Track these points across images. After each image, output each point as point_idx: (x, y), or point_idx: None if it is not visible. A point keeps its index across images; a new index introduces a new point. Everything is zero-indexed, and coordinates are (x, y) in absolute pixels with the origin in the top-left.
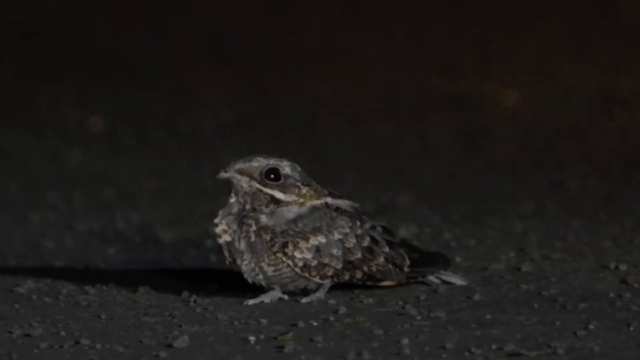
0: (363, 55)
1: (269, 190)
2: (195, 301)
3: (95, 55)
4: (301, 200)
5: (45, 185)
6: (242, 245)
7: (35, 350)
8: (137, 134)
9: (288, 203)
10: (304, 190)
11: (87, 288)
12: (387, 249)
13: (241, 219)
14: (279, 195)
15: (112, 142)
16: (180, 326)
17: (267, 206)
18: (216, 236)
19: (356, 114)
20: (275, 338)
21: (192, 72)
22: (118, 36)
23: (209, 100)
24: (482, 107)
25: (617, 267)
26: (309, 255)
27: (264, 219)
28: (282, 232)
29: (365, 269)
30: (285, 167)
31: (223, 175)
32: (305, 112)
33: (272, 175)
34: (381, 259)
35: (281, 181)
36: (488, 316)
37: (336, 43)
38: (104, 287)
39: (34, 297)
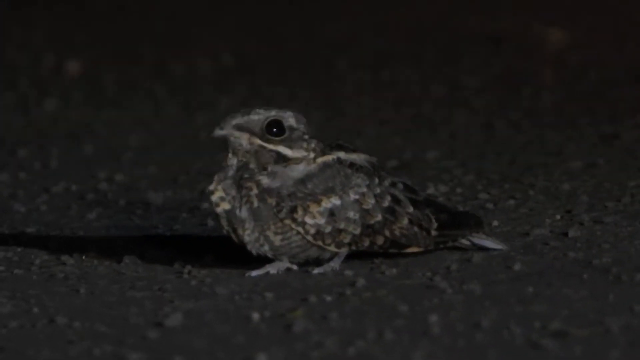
0: None
1: (272, 147)
2: (189, 273)
3: None
4: (312, 155)
5: (15, 140)
6: (244, 213)
7: (3, 330)
8: (122, 80)
9: (298, 159)
10: (313, 143)
11: (64, 258)
12: (411, 209)
13: (239, 181)
14: (285, 151)
15: (93, 90)
16: (172, 302)
17: (275, 164)
18: (212, 205)
19: (377, 58)
20: (283, 315)
21: (185, 9)
22: None
23: (205, 41)
24: (523, 48)
25: None
26: (321, 221)
27: (265, 180)
28: (289, 195)
29: (387, 233)
30: (289, 119)
31: (219, 132)
32: (318, 56)
33: (274, 129)
34: (405, 221)
35: (286, 135)
36: (530, 289)
37: None
38: (83, 257)
39: (2, 268)
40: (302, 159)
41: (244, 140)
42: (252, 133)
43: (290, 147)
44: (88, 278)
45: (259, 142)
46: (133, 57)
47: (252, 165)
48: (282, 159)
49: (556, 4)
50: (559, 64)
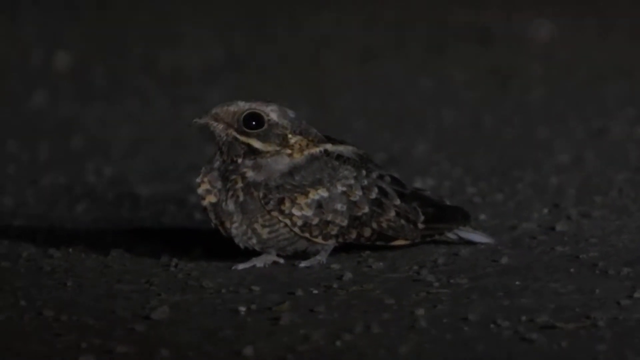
0: None
1: (245, 139)
2: (176, 266)
3: None
4: (288, 151)
5: (3, 133)
6: (230, 206)
7: None
8: (110, 73)
9: (268, 154)
10: (294, 140)
11: (52, 251)
12: (398, 202)
13: (224, 173)
14: (256, 144)
15: (81, 83)
16: (160, 295)
17: (244, 157)
18: (199, 198)
19: (365, 52)
20: (270, 308)
21: (174, 3)
22: None
23: (194, 35)
24: (512, 42)
25: None
26: (309, 213)
27: (250, 173)
28: (277, 187)
29: (375, 225)
30: (271, 113)
31: (198, 121)
32: (306, 49)
33: (253, 122)
34: (392, 214)
35: (263, 128)
36: (517, 283)
37: None
38: (70, 250)
39: None
40: (275, 153)
41: (220, 130)
42: (229, 124)
43: (263, 141)
44: (75, 271)
45: (234, 133)
46: (122, 52)
47: (223, 157)
48: (252, 151)
49: None
50: (547, 58)
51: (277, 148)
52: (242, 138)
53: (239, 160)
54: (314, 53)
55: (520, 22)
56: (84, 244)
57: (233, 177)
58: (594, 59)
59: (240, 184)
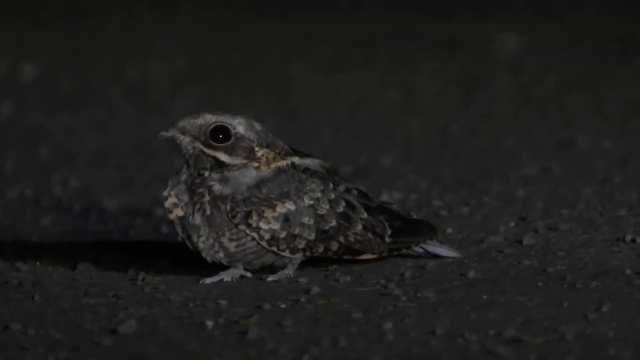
0: None
1: (211, 152)
2: (143, 280)
3: None
4: (255, 164)
5: None
6: (197, 220)
7: None
8: (77, 83)
9: (235, 167)
10: (260, 152)
11: (18, 264)
12: (365, 215)
13: (191, 187)
14: (223, 157)
15: (48, 93)
16: (127, 308)
17: (211, 170)
18: (166, 212)
19: (332, 62)
20: (237, 322)
21: (140, 10)
22: None
23: (160, 45)
24: (478, 53)
25: (633, 240)
26: (276, 226)
27: (217, 186)
28: (244, 200)
29: (342, 239)
30: (238, 126)
31: (164, 134)
32: (273, 59)
33: (220, 135)
34: (359, 227)
35: (230, 141)
36: (485, 296)
37: None
38: (37, 263)
39: None
40: (241, 166)
41: (187, 143)
42: (195, 137)
43: (230, 154)
44: (42, 284)
45: (200, 146)
46: (88, 61)
47: (190, 170)
48: (219, 164)
49: (511, 9)
50: (514, 69)
51: (244, 161)
52: (209, 151)
53: (206, 174)
54: (281, 63)
55: (487, 34)
56: (51, 256)
57: (200, 190)
58: (560, 70)
59: (207, 197)
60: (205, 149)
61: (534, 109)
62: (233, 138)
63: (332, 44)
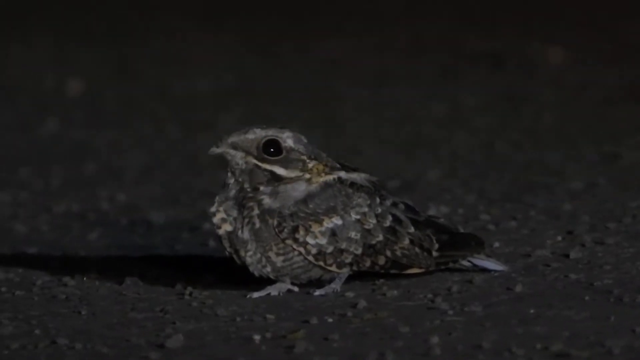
0: (386, 8)
1: (267, 166)
2: (190, 294)
3: (74, 8)
4: (307, 176)
5: (16, 159)
6: (246, 234)
7: (6, 352)
8: (123, 99)
9: (291, 180)
10: (311, 164)
11: (65, 279)
12: (412, 230)
13: (240, 202)
14: (280, 171)
15: (94, 109)
16: (174, 323)
17: (267, 184)
18: (214, 227)
19: (378, 77)
20: (284, 336)
21: (185, 28)
22: None
23: (206, 60)
24: (523, 68)
25: None
26: (323, 241)
27: (267, 200)
28: (290, 215)
29: (389, 253)
30: (287, 139)
31: (215, 150)
32: (318, 74)
33: (271, 149)
34: (406, 242)
35: (282, 155)
36: (531, 311)
37: None
38: (84, 278)
39: (3, 289)
40: (297, 179)
41: (239, 158)
42: (248, 152)
43: (285, 167)
44: (89, 299)
45: (254, 161)
46: (134, 77)
47: (245, 185)
48: (276, 178)
49: (556, 23)
50: (559, 83)
51: (300, 174)
52: (265, 165)
53: (261, 188)
54: (326, 78)
55: (532, 48)
56: (98, 271)
57: (250, 204)
58: (606, 83)
59: (256, 211)
60: (260, 164)
61: (579, 123)
62: (284, 151)
63: (376, 58)
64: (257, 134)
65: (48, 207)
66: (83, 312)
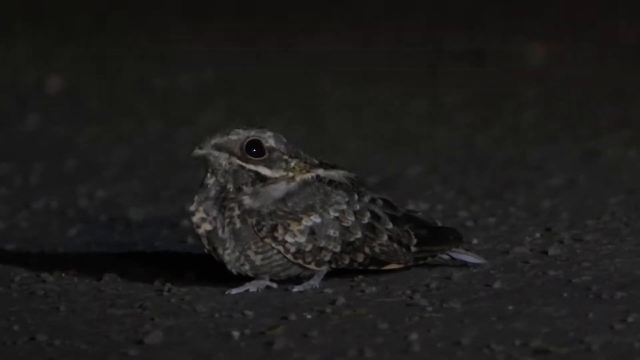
0: (367, 5)
1: (252, 167)
2: (169, 290)
3: (54, 4)
4: (290, 174)
5: None
6: (226, 233)
7: None
8: (103, 95)
9: (275, 180)
10: (293, 163)
11: (44, 275)
12: (390, 226)
13: (221, 202)
14: (264, 171)
15: (74, 106)
16: (153, 319)
17: (252, 185)
18: (194, 226)
19: (358, 74)
20: (263, 333)
21: (166, 23)
22: None
23: (187, 57)
24: (504, 64)
25: None
26: (302, 239)
27: (247, 200)
28: (269, 214)
29: (367, 250)
30: (269, 139)
31: (198, 152)
32: (299, 71)
33: (254, 150)
34: (385, 238)
35: (265, 156)
36: (510, 307)
37: None
38: (63, 274)
39: None
40: (281, 179)
41: (223, 159)
42: (231, 153)
43: (270, 167)
44: (68, 295)
45: (238, 162)
46: (114, 73)
47: (228, 186)
48: (260, 179)
49: (537, 20)
50: (541, 80)
51: (284, 173)
52: (249, 166)
53: (244, 188)
54: (307, 76)
55: (514, 44)
56: (77, 268)
57: (231, 205)
58: (587, 81)
59: (237, 211)
60: (244, 164)
61: (560, 120)
62: (267, 152)
63: (357, 55)
64: (241, 135)
65: (27, 203)
66: (62, 309)
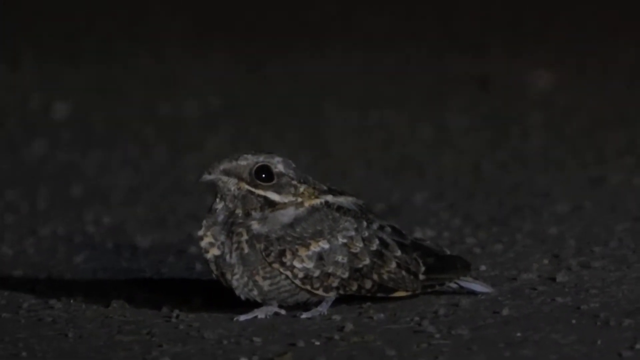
0: (373, 30)
1: (261, 192)
2: (177, 317)
3: (60, 29)
4: (299, 199)
5: (2, 181)
6: (234, 259)
7: None
8: (109, 121)
9: (284, 205)
10: (302, 188)
11: (52, 302)
12: (399, 253)
13: (230, 227)
14: (273, 196)
15: (81, 131)
16: (161, 346)
17: (260, 210)
18: (202, 251)
19: (364, 99)
20: (271, 359)
21: (172, 48)
22: (86, 6)
23: (192, 82)
24: (510, 90)
25: None
26: (310, 265)
27: (255, 225)
28: (277, 239)
29: (375, 277)
30: (278, 165)
31: (207, 177)
32: (305, 97)
33: (263, 175)
34: (393, 265)
35: (274, 181)
36: (518, 334)
37: (342, 16)
38: (71, 301)
39: None
40: (290, 204)
41: (232, 185)
42: (240, 178)
43: (279, 193)
44: (76, 322)
45: (247, 187)
46: (121, 99)
47: (237, 211)
48: (269, 204)
49: (543, 46)
50: (546, 106)
51: (293, 198)
52: (258, 191)
53: (253, 213)
54: (313, 101)
55: (519, 71)
56: (84, 294)
57: (239, 230)
58: (593, 107)
59: (245, 236)
60: (253, 189)
61: (566, 146)
62: (276, 177)
63: (363, 80)
64: (250, 160)
65: (34, 229)
66: (70, 335)
